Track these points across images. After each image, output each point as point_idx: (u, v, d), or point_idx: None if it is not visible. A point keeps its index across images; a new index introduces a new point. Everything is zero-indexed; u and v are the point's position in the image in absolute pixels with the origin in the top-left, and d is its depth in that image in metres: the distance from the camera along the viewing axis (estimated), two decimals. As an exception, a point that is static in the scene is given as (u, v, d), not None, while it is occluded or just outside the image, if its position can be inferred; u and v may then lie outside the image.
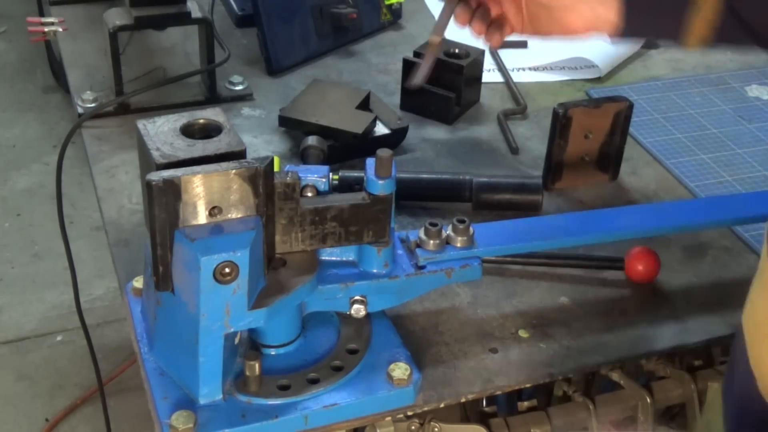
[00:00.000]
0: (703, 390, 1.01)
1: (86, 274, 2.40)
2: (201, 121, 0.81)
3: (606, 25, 0.89)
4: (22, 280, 2.54)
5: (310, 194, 0.84)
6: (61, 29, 1.41)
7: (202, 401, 0.82)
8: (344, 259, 0.88)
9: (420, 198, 1.13)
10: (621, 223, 1.01)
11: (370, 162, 0.83)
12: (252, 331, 0.88)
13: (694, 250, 1.09)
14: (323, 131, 1.19)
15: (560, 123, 1.14)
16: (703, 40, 0.84)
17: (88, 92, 1.29)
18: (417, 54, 1.31)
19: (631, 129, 1.20)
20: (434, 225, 0.90)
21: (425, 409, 0.88)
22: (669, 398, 1.02)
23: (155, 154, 0.76)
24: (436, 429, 0.91)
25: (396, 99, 1.34)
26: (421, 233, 0.91)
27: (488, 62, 1.43)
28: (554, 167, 1.17)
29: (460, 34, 1.51)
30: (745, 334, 0.79)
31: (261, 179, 0.76)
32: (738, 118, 1.36)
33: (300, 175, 0.82)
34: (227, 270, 0.74)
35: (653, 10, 0.87)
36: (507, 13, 0.97)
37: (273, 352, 0.88)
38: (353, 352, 0.88)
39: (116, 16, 1.24)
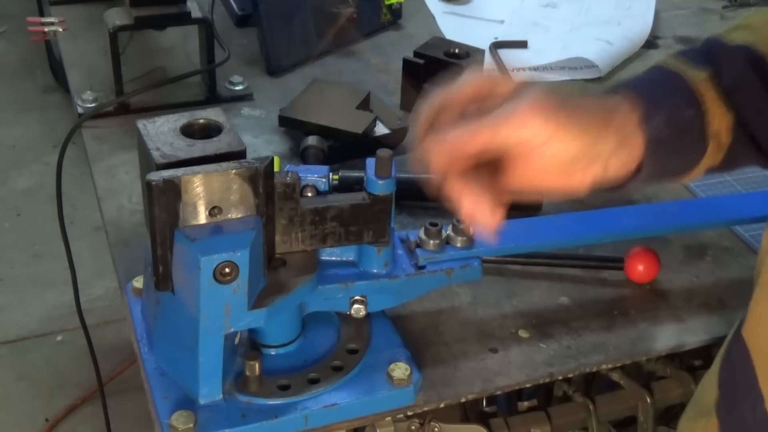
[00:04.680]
0: (703, 390, 1.01)
1: (86, 274, 2.40)
2: (201, 121, 0.81)
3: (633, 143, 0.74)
4: (22, 280, 2.54)
5: (310, 194, 0.84)
6: (61, 29, 1.41)
7: (202, 401, 0.82)
8: (344, 259, 0.88)
9: (420, 198, 1.13)
10: (621, 223, 1.01)
11: (370, 162, 0.83)
12: (252, 331, 0.88)
13: (694, 250, 1.09)
14: (323, 131, 1.19)
15: (560, 123, 1.14)
16: (701, 175, 0.82)
17: (88, 92, 1.29)
18: (417, 54, 1.31)
19: (631, 129, 1.20)
20: (434, 225, 0.90)
21: (425, 409, 0.88)
22: (669, 398, 1.02)
23: (155, 154, 0.76)
24: (436, 429, 0.91)
25: (396, 99, 1.34)
26: (421, 233, 0.91)
27: (488, 62, 1.43)
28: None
29: (459, 33, 1.52)
30: (750, 352, 0.78)
31: (261, 179, 0.76)
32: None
33: (300, 175, 0.82)
34: (227, 270, 0.74)
35: (674, 128, 0.76)
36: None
37: (273, 352, 0.88)
38: (353, 352, 0.88)
39: (116, 16, 1.24)
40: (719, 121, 0.79)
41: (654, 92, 0.76)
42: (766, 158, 0.83)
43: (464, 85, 0.68)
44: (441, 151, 0.66)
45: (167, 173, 0.73)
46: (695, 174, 0.82)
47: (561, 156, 0.66)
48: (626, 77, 0.80)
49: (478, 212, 0.68)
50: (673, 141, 0.76)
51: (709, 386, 0.84)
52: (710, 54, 0.82)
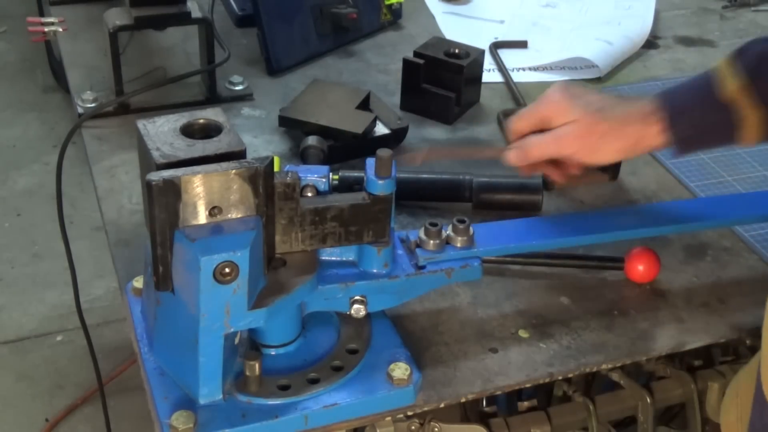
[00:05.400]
0: (703, 390, 1.01)
1: (86, 274, 2.39)
2: (201, 121, 0.81)
3: (654, 144, 0.93)
4: (22, 280, 2.54)
5: (310, 194, 0.84)
6: (61, 29, 1.41)
7: (202, 401, 0.82)
8: (344, 259, 0.88)
9: (420, 198, 1.13)
10: (621, 223, 1.01)
11: (370, 162, 0.83)
12: (252, 331, 0.88)
13: (694, 250, 1.09)
14: (323, 131, 1.19)
15: (560, 123, 1.14)
16: (758, 142, 0.91)
17: (88, 92, 1.29)
18: (417, 54, 1.31)
19: (631, 129, 1.20)
20: (434, 225, 0.90)
21: (425, 409, 0.88)
22: (669, 398, 1.02)
23: (155, 154, 0.76)
24: (436, 429, 0.91)
25: (396, 99, 1.34)
26: (421, 233, 0.91)
27: (488, 62, 1.43)
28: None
29: (459, 33, 1.52)
30: (763, 354, 0.78)
31: (261, 179, 0.76)
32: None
33: (300, 175, 0.82)
34: (227, 270, 0.74)
35: (699, 131, 0.92)
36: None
37: (273, 352, 0.88)
38: (353, 352, 0.88)
39: (116, 16, 1.24)
40: (752, 122, 0.89)
41: (684, 100, 0.92)
42: None
43: (528, 117, 0.99)
44: (522, 147, 0.99)
45: (167, 173, 0.73)
46: (746, 141, 0.91)
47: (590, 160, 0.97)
48: (678, 83, 0.95)
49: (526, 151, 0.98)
50: (702, 138, 0.93)
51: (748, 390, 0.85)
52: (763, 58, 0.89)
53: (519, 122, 0.99)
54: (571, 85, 0.98)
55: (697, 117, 0.91)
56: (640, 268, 1.02)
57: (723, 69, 0.91)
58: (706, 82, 0.91)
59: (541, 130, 0.97)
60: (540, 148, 0.97)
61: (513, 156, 0.99)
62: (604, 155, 0.95)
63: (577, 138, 0.94)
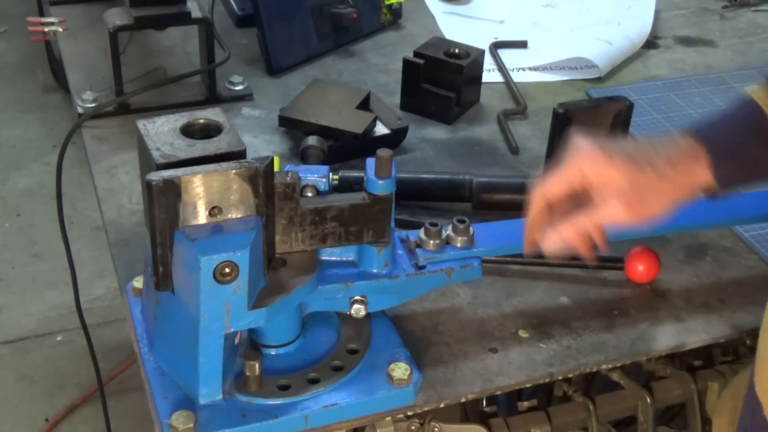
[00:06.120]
0: (703, 390, 1.01)
1: (86, 274, 2.39)
2: (201, 121, 0.81)
3: (702, 185, 0.83)
4: (22, 280, 2.54)
5: (310, 194, 0.84)
6: (61, 29, 1.41)
7: (202, 401, 0.82)
8: (344, 259, 0.88)
9: (420, 198, 1.13)
10: (621, 223, 1.01)
11: (370, 162, 0.83)
12: (252, 331, 0.88)
13: (694, 250, 1.09)
14: (323, 131, 1.19)
15: (560, 123, 1.14)
16: None
17: (88, 92, 1.29)
18: (417, 54, 1.31)
19: (631, 129, 1.20)
20: (434, 225, 0.90)
21: (425, 409, 0.88)
22: (669, 398, 1.02)
23: (155, 154, 0.76)
24: (436, 429, 0.91)
25: (396, 99, 1.34)
26: (421, 233, 0.91)
27: (488, 62, 1.43)
28: (554, 167, 1.16)
29: (459, 33, 1.52)
30: (757, 357, 0.78)
31: (261, 179, 0.76)
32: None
33: (300, 175, 0.82)
34: (227, 270, 0.74)
35: (747, 168, 0.83)
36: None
37: (273, 352, 0.88)
38: (353, 352, 0.88)
39: (116, 16, 1.24)
40: None
41: (727, 136, 0.82)
42: None
43: (560, 181, 0.83)
44: (561, 233, 0.84)
45: (167, 173, 0.73)
46: None
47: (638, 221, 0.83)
48: (712, 116, 0.85)
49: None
50: (750, 175, 0.84)
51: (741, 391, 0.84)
52: None
53: (551, 188, 0.83)
54: (590, 136, 0.84)
55: (744, 153, 0.81)
56: (640, 268, 1.02)
57: (764, 98, 0.81)
58: (748, 114, 0.81)
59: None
60: (587, 229, 0.82)
61: (552, 243, 0.83)
62: (653, 210, 0.81)
63: (625, 204, 0.80)
